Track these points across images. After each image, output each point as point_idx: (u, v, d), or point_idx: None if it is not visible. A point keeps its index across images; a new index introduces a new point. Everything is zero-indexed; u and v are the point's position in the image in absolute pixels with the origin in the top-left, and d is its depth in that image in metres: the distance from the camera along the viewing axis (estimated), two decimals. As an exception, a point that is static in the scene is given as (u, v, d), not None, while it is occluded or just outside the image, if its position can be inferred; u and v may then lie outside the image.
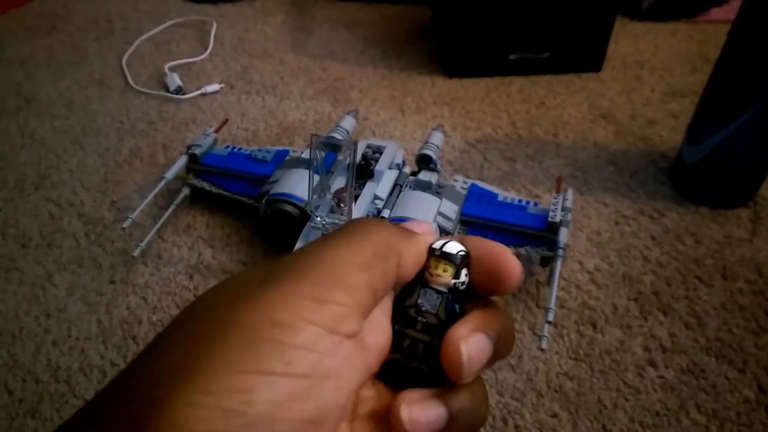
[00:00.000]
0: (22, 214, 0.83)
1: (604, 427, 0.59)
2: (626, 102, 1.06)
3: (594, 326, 0.68)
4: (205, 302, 0.24)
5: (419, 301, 0.27)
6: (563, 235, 0.67)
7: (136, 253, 0.73)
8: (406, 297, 0.27)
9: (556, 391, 0.62)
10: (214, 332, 0.21)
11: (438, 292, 0.27)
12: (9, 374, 0.64)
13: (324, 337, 0.22)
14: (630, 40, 1.25)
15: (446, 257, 0.27)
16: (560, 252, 0.66)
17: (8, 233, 0.80)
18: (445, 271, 0.27)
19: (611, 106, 1.06)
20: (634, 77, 1.13)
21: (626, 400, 0.62)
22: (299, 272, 0.24)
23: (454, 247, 0.27)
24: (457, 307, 0.27)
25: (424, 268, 0.27)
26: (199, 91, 1.08)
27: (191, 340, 0.22)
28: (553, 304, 0.61)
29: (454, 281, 0.27)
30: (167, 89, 1.09)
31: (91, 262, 0.76)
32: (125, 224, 0.73)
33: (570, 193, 0.73)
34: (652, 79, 1.13)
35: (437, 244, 0.27)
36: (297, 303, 0.22)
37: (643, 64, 1.17)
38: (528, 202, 0.74)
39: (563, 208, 0.70)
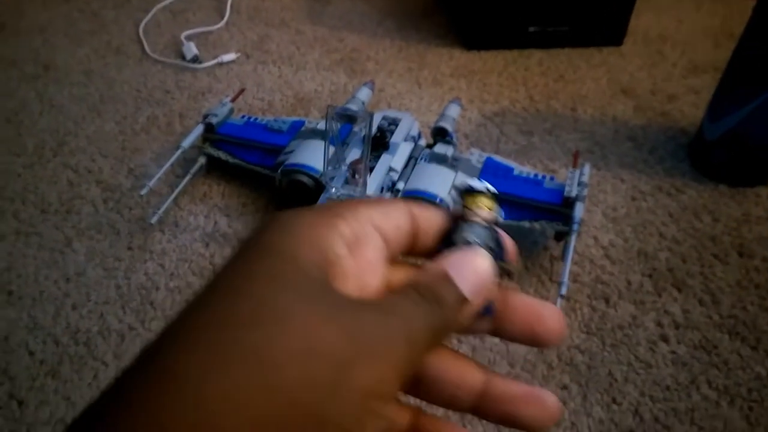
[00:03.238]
0: (41, 181, 0.84)
1: (614, 399, 0.60)
2: (647, 77, 1.05)
3: (607, 301, 0.68)
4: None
5: (468, 236, 0.27)
6: (579, 210, 0.67)
7: (154, 220, 0.74)
8: (452, 235, 0.27)
9: (567, 363, 0.63)
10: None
11: (483, 226, 0.27)
12: (30, 336, 0.65)
13: None
14: (653, 14, 1.22)
15: (484, 193, 0.27)
16: (575, 227, 0.66)
17: (28, 199, 0.81)
18: (485, 206, 0.27)
19: (631, 80, 1.04)
20: (655, 52, 1.11)
21: (637, 374, 0.62)
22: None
23: (483, 184, 0.27)
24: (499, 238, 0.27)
25: (462, 210, 0.27)
26: (215, 61, 1.08)
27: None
28: (566, 278, 0.61)
29: (495, 214, 0.27)
30: (184, 58, 1.08)
31: (109, 228, 0.77)
32: (143, 192, 0.73)
33: (587, 168, 0.72)
34: (674, 54, 1.11)
35: (470, 184, 0.27)
36: None
37: (666, 39, 1.15)
38: (544, 177, 0.73)
39: (579, 183, 0.69)
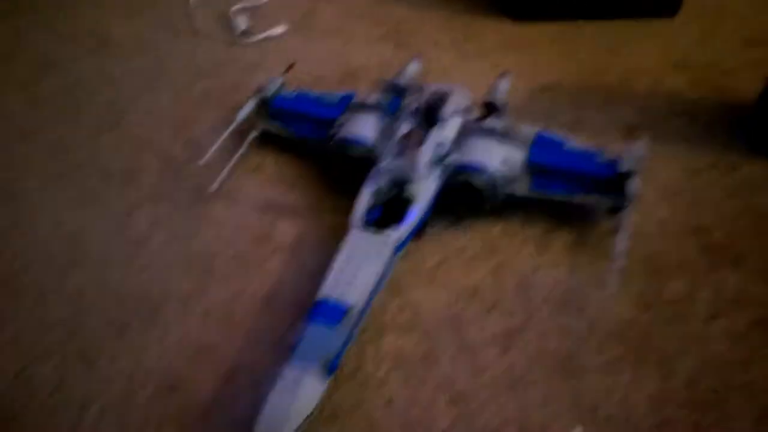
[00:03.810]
0: (104, 151, 0.87)
1: (667, 372, 0.60)
2: (702, 50, 1.02)
3: (660, 276, 0.68)
4: None
5: None
6: (634, 184, 0.67)
7: (212, 189, 0.77)
8: None
9: (619, 336, 0.63)
10: None
11: None
12: (99, 297, 0.68)
13: None
14: (709, -15, 1.19)
15: None
16: (630, 201, 0.66)
17: (92, 168, 0.84)
18: None
19: (686, 53, 1.02)
20: (711, 24, 1.08)
21: (690, 348, 0.62)
22: None
23: None
24: None
25: None
26: (264, 34, 1.09)
27: None
28: (622, 251, 0.62)
29: None
30: (234, 32, 1.10)
31: (169, 197, 0.79)
32: (202, 162, 0.76)
33: (642, 143, 0.72)
34: (731, 26, 1.08)
35: None
36: None
37: (723, 11, 1.12)
38: (598, 151, 0.73)
39: (635, 158, 0.69)
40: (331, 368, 0.54)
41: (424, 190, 0.68)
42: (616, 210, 0.69)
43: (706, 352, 0.62)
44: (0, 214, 0.79)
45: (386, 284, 0.66)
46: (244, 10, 1.17)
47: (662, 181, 0.79)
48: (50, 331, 0.65)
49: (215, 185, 0.77)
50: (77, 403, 0.59)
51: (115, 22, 1.16)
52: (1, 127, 0.93)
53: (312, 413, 0.50)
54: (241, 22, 1.10)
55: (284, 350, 0.62)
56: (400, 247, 0.65)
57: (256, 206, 0.78)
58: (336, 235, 0.73)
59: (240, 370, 0.61)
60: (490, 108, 0.78)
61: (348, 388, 0.59)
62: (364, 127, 0.75)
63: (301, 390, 0.50)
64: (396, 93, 0.75)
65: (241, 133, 0.84)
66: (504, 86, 0.81)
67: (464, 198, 0.71)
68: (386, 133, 0.68)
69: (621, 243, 0.63)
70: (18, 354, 0.63)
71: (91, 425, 0.57)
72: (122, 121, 0.92)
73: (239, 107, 0.85)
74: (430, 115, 0.74)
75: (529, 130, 0.77)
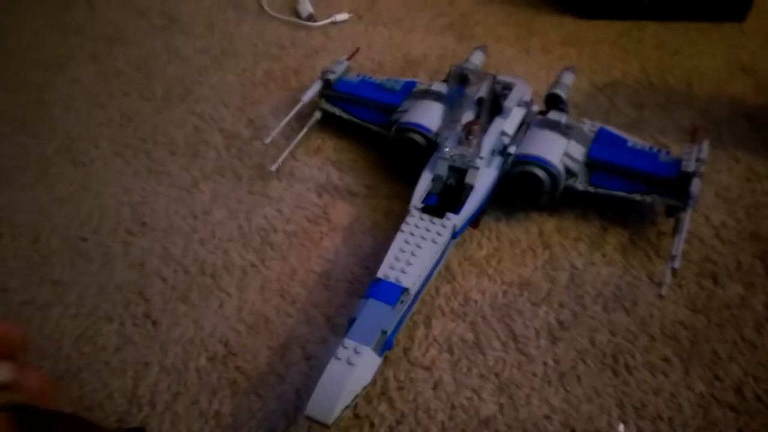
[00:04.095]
0: (170, 124, 0.90)
1: (716, 376, 0.60)
2: (770, 55, 1.00)
3: (715, 280, 0.68)
4: None
5: None
6: (696, 186, 0.66)
7: (273, 168, 0.79)
8: None
9: (669, 337, 0.63)
10: None
11: None
12: (162, 264, 0.71)
13: None
14: (781, -11, 1.16)
15: None
16: (691, 202, 0.65)
17: (158, 140, 0.88)
18: None
19: (753, 58, 1.00)
20: (781, 29, 1.06)
21: (741, 353, 0.62)
22: None
23: None
24: None
25: None
26: (329, 20, 1.11)
27: None
28: (679, 252, 0.62)
29: None
30: (299, 16, 1.12)
31: (231, 173, 0.82)
32: (267, 140, 0.78)
33: (705, 144, 0.71)
34: (802, 32, 1.05)
35: None
36: None
37: (794, 16, 1.09)
38: (659, 150, 0.73)
39: (698, 159, 0.69)
40: (386, 345, 0.55)
41: (484, 179, 0.69)
42: (673, 211, 0.69)
43: (757, 359, 0.61)
44: (70, 179, 0.83)
45: (439, 270, 0.67)
46: (309, -6, 1.19)
47: (721, 186, 0.78)
48: (113, 295, 0.69)
49: (276, 164, 0.79)
50: (137, 364, 0.62)
51: (184, 1, 1.19)
52: (73, 96, 0.97)
53: (368, 385, 0.52)
54: (307, 7, 1.12)
55: (337, 326, 0.64)
56: (457, 234, 0.66)
57: (315, 187, 0.80)
58: (390, 221, 0.75)
59: (293, 343, 0.63)
60: (554, 101, 0.78)
61: (397, 368, 0.61)
62: (427, 114, 0.76)
63: (360, 362, 0.51)
64: (460, 81, 0.75)
65: (303, 115, 0.86)
66: (568, 80, 0.81)
67: (521, 190, 0.72)
68: (448, 120, 0.69)
69: (678, 244, 0.63)
70: (83, 315, 0.67)
71: (149, 386, 0.60)
72: (189, 96, 0.96)
73: (301, 90, 0.87)
74: (493, 105, 0.75)
75: (591, 125, 0.77)
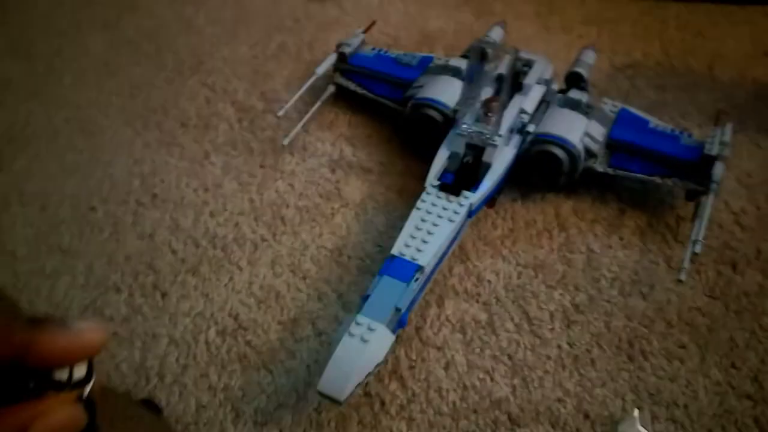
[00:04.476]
0: (181, 96, 0.89)
1: (733, 364, 0.59)
2: (796, 39, 0.98)
3: (734, 267, 0.67)
4: None
5: None
6: (719, 169, 0.65)
7: (286, 142, 0.78)
8: None
9: (686, 323, 0.62)
10: None
11: None
12: (172, 236, 0.71)
13: None
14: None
15: None
16: (714, 186, 0.64)
17: (170, 112, 0.86)
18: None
19: (778, 42, 0.98)
20: (809, 13, 1.03)
21: (760, 342, 0.61)
22: None
23: None
24: None
25: None
26: (344, -8, 1.09)
27: None
28: (701, 237, 0.60)
29: None
30: (313, -12, 1.10)
31: (243, 146, 0.81)
32: (280, 113, 0.77)
33: (729, 128, 0.69)
34: (829, 16, 1.02)
35: None
36: None
37: (822, -1, 1.06)
38: (682, 132, 0.71)
39: (721, 142, 0.67)
40: (400, 323, 0.54)
41: (502, 158, 0.67)
42: (694, 195, 0.68)
43: (776, 348, 0.60)
44: (80, 149, 0.82)
45: (453, 249, 0.66)
46: (323, -34, 1.16)
47: (743, 170, 0.77)
48: (122, 265, 0.68)
49: (289, 138, 0.78)
50: (146, 335, 0.62)
51: (196, -30, 1.17)
52: (84, 65, 0.96)
53: (381, 363, 0.51)
54: (321, -21, 1.10)
55: (348, 303, 0.64)
56: (473, 213, 0.64)
57: (328, 162, 0.79)
58: (403, 198, 0.74)
59: (304, 319, 0.63)
60: (575, 79, 0.76)
61: (409, 347, 0.60)
62: (444, 90, 0.74)
63: (373, 339, 0.50)
64: (481, 57, 0.74)
65: (316, 89, 0.85)
66: (590, 58, 0.79)
67: (540, 170, 0.70)
68: (466, 97, 0.68)
69: (698, 229, 0.62)
70: (91, 285, 0.66)
71: (157, 357, 0.60)
72: (201, 68, 0.94)
73: (315, 63, 0.86)
74: (513, 82, 0.73)
75: (612, 105, 0.75)
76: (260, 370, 0.59)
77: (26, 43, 1.00)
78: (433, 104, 0.74)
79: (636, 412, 0.55)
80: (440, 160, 0.67)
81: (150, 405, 0.55)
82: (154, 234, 0.71)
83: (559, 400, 0.57)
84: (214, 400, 0.56)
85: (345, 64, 0.85)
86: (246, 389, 0.57)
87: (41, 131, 0.84)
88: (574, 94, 0.74)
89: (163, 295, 0.65)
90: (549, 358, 0.60)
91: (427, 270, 0.58)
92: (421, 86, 0.78)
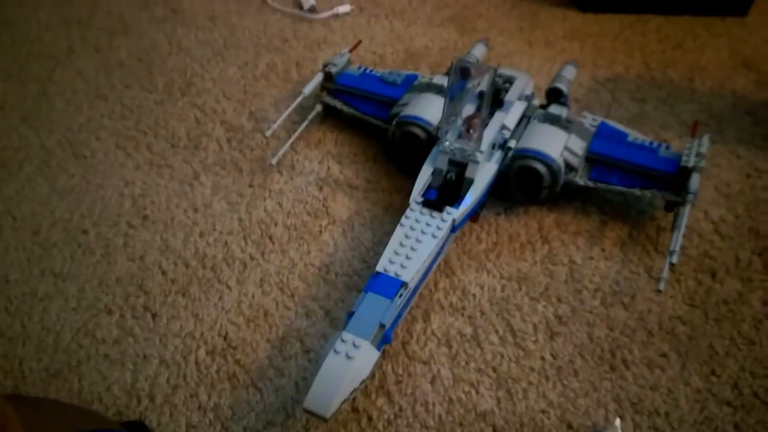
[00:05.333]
0: (171, 117, 0.91)
1: (713, 371, 0.60)
2: (773, 50, 1.00)
3: (713, 275, 0.68)
4: None
5: None
6: (695, 181, 0.66)
7: (274, 161, 0.79)
8: None
9: (667, 332, 0.63)
10: None
11: None
12: (162, 257, 0.72)
13: None
14: (786, -17, 1.15)
15: None
16: (690, 197, 0.65)
17: (159, 133, 0.88)
18: None
19: (755, 53, 1.00)
20: (785, 24, 1.05)
21: (739, 349, 0.62)
22: None
23: None
24: None
25: None
26: (330, 12, 1.11)
27: None
28: (678, 247, 0.62)
29: None
30: (301, 7, 1.12)
31: (232, 165, 0.82)
32: (268, 132, 0.78)
33: (706, 139, 0.71)
34: (806, 26, 1.04)
35: None
36: None
37: (798, 10, 1.08)
38: (660, 145, 0.73)
39: (697, 154, 0.68)
40: (385, 339, 0.56)
41: (484, 173, 0.69)
42: (672, 206, 0.69)
43: (754, 354, 0.61)
44: (71, 172, 0.83)
45: (438, 264, 0.67)
46: (310, -14, 1.18)
47: (722, 180, 0.78)
48: (113, 287, 0.69)
49: (277, 157, 0.79)
50: (137, 357, 0.63)
51: (186, -7, 1.19)
52: (77, 88, 0.97)
53: (366, 379, 0.52)
54: (308, -1, 1.12)
55: (336, 319, 0.65)
56: (456, 228, 0.66)
57: (315, 180, 0.80)
58: (390, 214, 0.75)
59: (292, 336, 0.64)
60: (555, 95, 0.78)
61: (395, 362, 0.61)
62: (427, 108, 0.76)
63: (358, 355, 0.52)
64: (461, 74, 0.75)
65: (303, 108, 0.86)
66: (570, 73, 0.81)
67: (521, 184, 0.72)
68: (449, 114, 0.69)
69: (676, 239, 0.63)
70: (83, 308, 0.67)
71: (148, 378, 0.61)
72: (190, 89, 0.96)
73: (303, 82, 0.87)
74: (494, 99, 0.75)
75: (592, 119, 0.77)
76: (249, 388, 0.60)
77: (18, 66, 1.02)
78: (417, 122, 0.75)
79: (617, 422, 0.56)
80: (424, 176, 0.69)
81: (139, 427, 0.56)
82: (144, 255, 0.72)
83: (543, 411, 0.58)
84: (204, 419, 0.58)
85: (331, 83, 0.86)
86: (235, 408, 0.58)
87: (33, 155, 0.85)
88: (554, 109, 0.75)
89: (154, 315, 0.66)
90: (533, 369, 0.61)
91: (411, 285, 0.59)
92: (405, 104, 0.79)
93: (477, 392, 0.59)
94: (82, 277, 0.70)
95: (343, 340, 0.53)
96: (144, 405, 0.59)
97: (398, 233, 0.63)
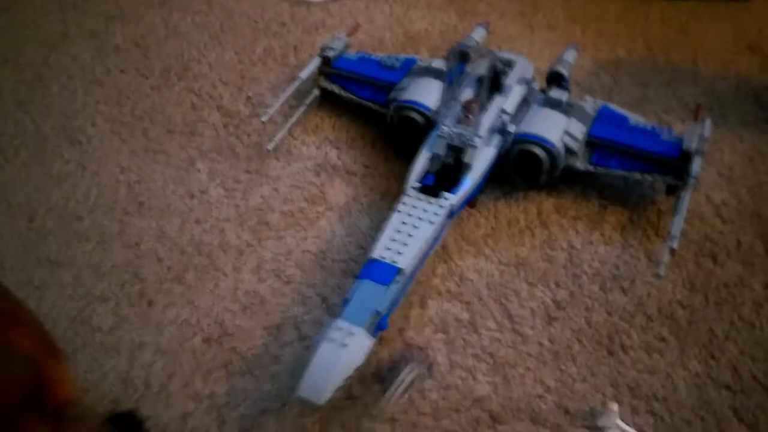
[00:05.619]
0: (168, 102, 0.90)
1: (712, 355, 0.60)
2: (778, 33, 0.98)
3: (714, 259, 0.67)
4: None
5: None
6: (696, 165, 0.65)
7: (271, 147, 0.78)
8: None
9: (666, 317, 0.63)
10: None
11: None
12: (158, 244, 0.71)
13: None
14: (791, -37, 1.13)
15: None
16: (691, 181, 0.65)
17: (156, 119, 0.87)
18: None
19: (759, 37, 0.98)
20: (790, 6, 1.04)
21: (739, 333, 0.61)
22: None
23: None
24: None
25: None
26: (328, -5, 1.09)
27: None
28: (677, 232, 0.61)
29: None
30: (298, -9, 1.11)
31: (229, 151, 0.82)
32: (264, 118, 0.78)
33: (708, 123, 0.70)
34: (811, 8, 1.03)
35: None
36: None
37: (804, -8, 1.06)
38: (662, 128, 0.72)
39: (699, 137, 0.67)
40: (380, 326, 0.55)
41: (482, 158, 0.68)
42: (673, 190, 0.68)
43: (754, 338, 0.61)
44: (66, 158, 0.82)
45: (436, 249, 0.67)
46: (308, -31, 1.17)
47: (724, 164, 0.77)
48: (109, 275, 0.69)
49: (273, 143, 0.79)
50: (132, 344, 0.62)
51: (182, -23, 1.18)
52: (71, 73, 0.96)
53: (360, 366, 0.52)
54: (306, -18, 1.11)
55: (332, 306, 0.64)
56: (453, 213, 0.65)
57: (312, 166, 0.79)
58: (388, 200, 0.74)
59: (288, 324, 0.64)
60: (555, 78, 0.77)
61: (391, 348, 0.61)
62: (426, 92, 0.75)
63: (352, 343, 0.51)
64: (460, 58, 0.74)
65: (301, 93, 0.85)
66: (570, 57, 0.80)
67: (520, 169, 0.71)
68: (447, 98, 0.68)
69: (677, 223, 0.62)
70: (79, 295, 0.67)
71: (143, 366, 0.61)
72: (186, 74, 0.95)
73: (300, 67, 0.86)
74: (493, 83, 0.74)
75: (593, 102, 0.76)
76: (245, 375, 0.59)
77: (14, 52, 1.01)
78: (415, 106, 0.74)
79: (615, 406, 0.56)
80: (421, 161, 0.68)
81: (131, 418, 0.55)
82: (140, 242, 0.72)
83: (540, 397, 0.57)
84: (200, 407, 0.57)
85: (329, 67, 0.85)
86: (231, 395, 0.58)
87: (29, 141, 0.85)
88: (555, 93, 0.74)
89: (150, 303, 0.66)
90: (530, 355, 0.60)
91: (407, 272, 0.59)
92: (403, 88, 0.78)
93: (473, 378, 0.59)
94: (77, 264, 0.70)
95: (337, 328, 0.52)
96: (140, 393, 0.58)
97: (394, 219, 0.62)
